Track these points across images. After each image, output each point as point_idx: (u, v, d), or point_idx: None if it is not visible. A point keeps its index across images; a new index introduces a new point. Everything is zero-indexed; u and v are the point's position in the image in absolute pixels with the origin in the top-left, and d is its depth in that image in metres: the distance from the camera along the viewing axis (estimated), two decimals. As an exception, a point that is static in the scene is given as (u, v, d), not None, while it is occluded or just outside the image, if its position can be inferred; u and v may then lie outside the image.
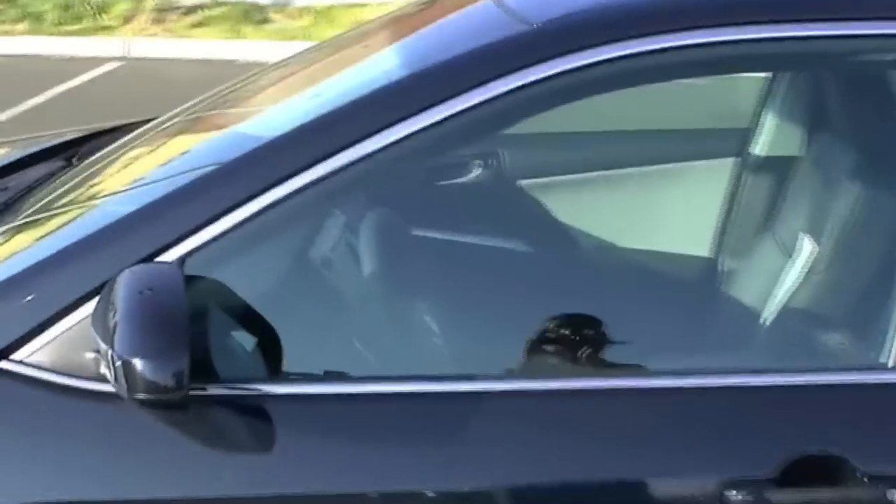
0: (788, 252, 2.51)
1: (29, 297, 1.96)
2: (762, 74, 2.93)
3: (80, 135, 3.21)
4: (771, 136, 2.87)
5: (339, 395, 1.99)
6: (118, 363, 1.77)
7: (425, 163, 2.51)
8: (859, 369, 2.05)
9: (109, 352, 1.79)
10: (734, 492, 1.90)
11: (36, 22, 10.12)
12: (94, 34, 9.87)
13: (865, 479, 1.90)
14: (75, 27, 10.05)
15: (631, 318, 2.41)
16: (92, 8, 10.25)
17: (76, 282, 1.96)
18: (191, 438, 1.95)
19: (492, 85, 2.00)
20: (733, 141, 2.96)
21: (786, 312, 2.42)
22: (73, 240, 2.06)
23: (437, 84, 2.04)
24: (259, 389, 1.97)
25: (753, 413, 1.96)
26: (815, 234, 2.42)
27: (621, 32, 2.02)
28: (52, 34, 9.90)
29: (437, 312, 2.42)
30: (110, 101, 8.05)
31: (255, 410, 1.95)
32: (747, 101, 2.95)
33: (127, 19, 10.08)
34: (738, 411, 1.96)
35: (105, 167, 2.65)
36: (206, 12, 10.13)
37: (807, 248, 2.44)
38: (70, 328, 1.94)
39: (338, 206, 2.38)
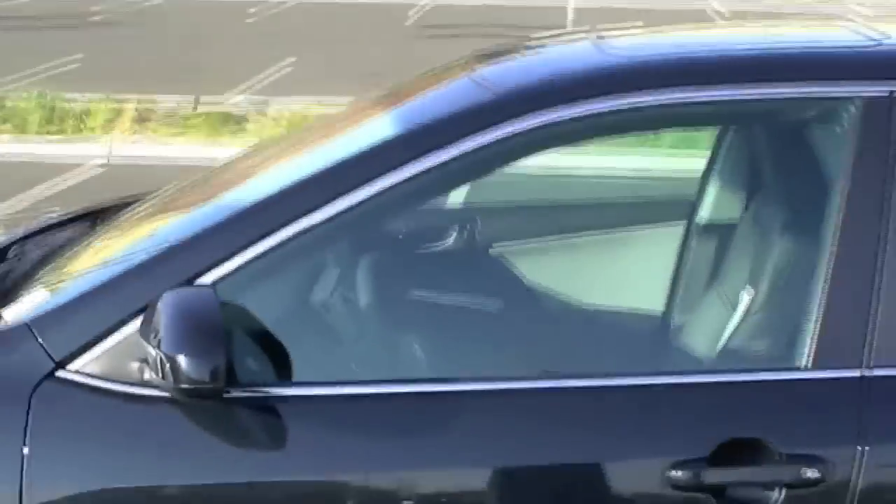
0: (732, 304, 2.92)
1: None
2: (705, 153, 3.36)
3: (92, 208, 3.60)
4: (712, 204, 3.28)
5: (339, 396, 2.37)
6: (165, 362, 2.14)
7: (404, 210, 2.88)
8: (782, 369, 2.45)
9: (158, 354, 2.16)
10: (675, 471, 2.28)
11: (20, 125, 10.51)
12: (77, 139, 10.26)
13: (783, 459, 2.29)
14: (59, 132, 10.43)
15: (590, 365, 2.79)
16: (75, 113, 10.65)
17: (123, 303, 2.34)
18: (216, 433, 2.31)
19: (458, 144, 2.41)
20: (680, 209, 3.38)
21: (726, 350, 2.81)
22: (116, 272, 2.44)
23: (414, 143, 2.45)
24: (272, 391, 2.35)
25: (691, 405, 2.35)
26: (754, 285, 2.83)
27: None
28: (36, 135, 10.29)
29: (423, 349, 2.80)
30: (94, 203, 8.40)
31: (269, 409, 2.32)
32: (692, 174, 3.37)
33: (108, 124, 10.50)
34: (677, 404, 2.35)
35: (129, 223, 3.04)
36: (186, 119, 10.57)
37: (746, 299, 2.85)
38: (118, 342, 2.31)
39: (332, 247, 2.78)
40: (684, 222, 3.35)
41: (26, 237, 3.22)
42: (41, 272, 2.81)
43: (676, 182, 3.53)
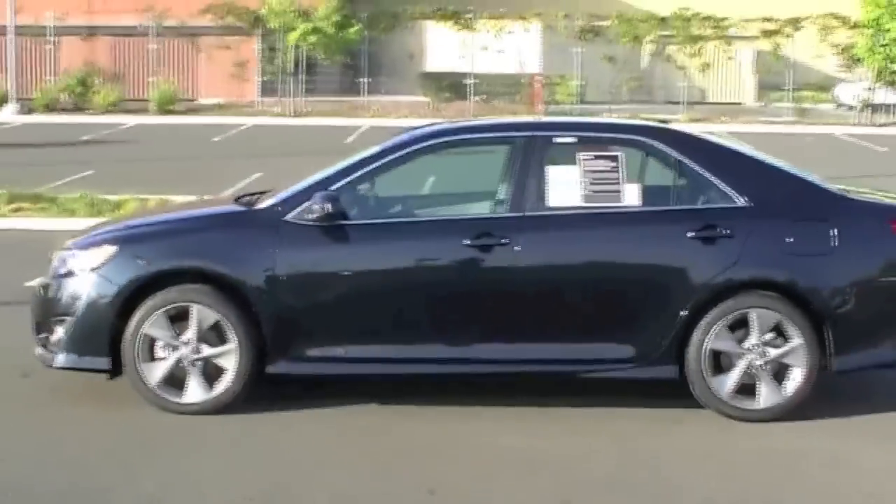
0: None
1: None
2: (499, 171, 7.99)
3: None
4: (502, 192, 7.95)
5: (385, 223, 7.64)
6: (316, 206, 7.32)
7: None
8: (496, 215, 7.65)
9: (312, 203, 7.33)
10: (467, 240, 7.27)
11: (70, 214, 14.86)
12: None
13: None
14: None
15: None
16: (111, 205, 15.03)
17: (302, 197, 7.46)
18: (333, 241, 7.43)
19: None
20: (490, 195, 8.07)
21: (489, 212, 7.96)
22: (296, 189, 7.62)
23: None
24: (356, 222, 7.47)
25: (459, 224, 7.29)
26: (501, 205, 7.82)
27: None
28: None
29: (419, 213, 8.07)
30: None
31: (356, 228, 7.47)
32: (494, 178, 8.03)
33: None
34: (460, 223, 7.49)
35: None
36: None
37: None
38: (301, 209, 7.39)
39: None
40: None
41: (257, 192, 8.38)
42: (266, 195, 7.96)
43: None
